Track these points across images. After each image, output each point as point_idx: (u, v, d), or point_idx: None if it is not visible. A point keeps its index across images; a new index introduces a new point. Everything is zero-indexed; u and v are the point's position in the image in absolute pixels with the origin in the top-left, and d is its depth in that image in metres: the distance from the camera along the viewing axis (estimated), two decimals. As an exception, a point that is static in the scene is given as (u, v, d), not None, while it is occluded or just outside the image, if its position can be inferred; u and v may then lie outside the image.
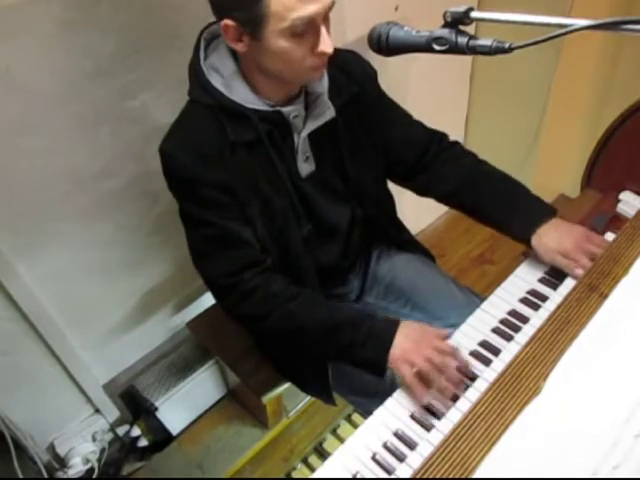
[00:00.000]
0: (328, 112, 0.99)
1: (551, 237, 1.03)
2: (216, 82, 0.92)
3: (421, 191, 1.21)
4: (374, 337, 0.94)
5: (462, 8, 0.73)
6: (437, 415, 0.85)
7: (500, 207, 1.10)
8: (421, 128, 1.17)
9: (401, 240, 1.27)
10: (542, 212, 1.07)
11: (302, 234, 1.04)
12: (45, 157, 1.14)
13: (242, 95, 0.92)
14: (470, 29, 0.73)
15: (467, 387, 0.88)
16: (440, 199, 1.20)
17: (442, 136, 1.18)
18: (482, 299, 1.05)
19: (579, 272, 0.99)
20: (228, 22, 0.83)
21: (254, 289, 0.98)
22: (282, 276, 1.02)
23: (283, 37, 0.82)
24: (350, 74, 1.04)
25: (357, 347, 0.94)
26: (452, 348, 0.91)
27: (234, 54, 0.92)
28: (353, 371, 1.15)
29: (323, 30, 0.83)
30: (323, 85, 0.99)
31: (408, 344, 0.91)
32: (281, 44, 0.83)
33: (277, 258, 1.03)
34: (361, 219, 1.15)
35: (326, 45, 0.84)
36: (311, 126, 0.98)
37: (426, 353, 0.89)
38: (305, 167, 1.02)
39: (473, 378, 0.89)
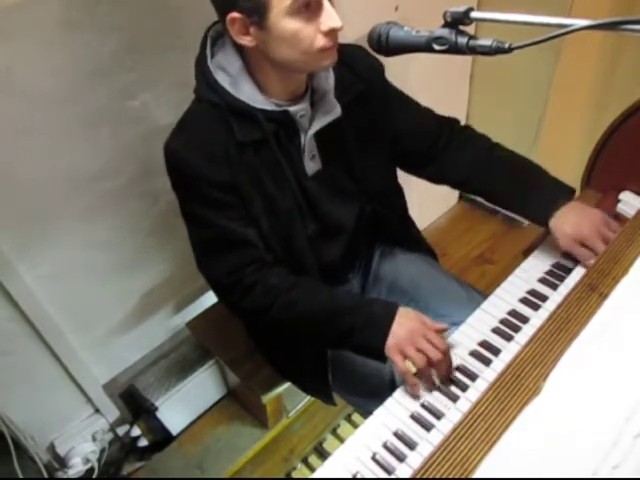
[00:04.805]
0: (334, 111, 0.98)
1: (569, 221, 1.03)
2: (223, 81, 0.92)
3: (435, 179, 1.21)
4: (372, 323, 0.94)
5: (462, 8, 0.73)
6: (437, 415, 0.85)
7: (515, 191, 1.10)
8: (432, 116, 1.16)
9: (408, 237, 1.27)
10: (559, 194, 1.07)
11: (307, 233, 1.04)
12: (45, 157, 1.14)
13: (249, 94, 0.92)
14: (470, 29, 0.73)
15: (467, 387, 0.88)
16: (455, 186, 1.21)
17: (453, 122, 1.17)
18: (484, 296, 1.05)
19: (591, 262, 1.00)
20: (234, 15, 0.83)
21: (254, 284, 0.98)
22: (280, 268, 1.02)
23: (289, 16, 0.81)
24: (356, 71, 1.03)
25: (356, 333, 0.95)
26: (445, 345, 0.91)
27: (240, 52, 0.92)
28: (352, 371, 1.15)
29: (327, 4, 0.82)
30: (329, 83, 0.98)
31: (403, 333, 0.91)
32: (288, 25, 0.82)
33: (281, 256, 1.03)
34: (368, 217, 1.15)
35: (332, 19, 0.82)
36: (317, 125, 0.98)
37: (419, 344, 0.90)
38: (311, 166, 1.02)
39: (473, 378, 0.89)
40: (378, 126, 1.08)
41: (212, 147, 0.92)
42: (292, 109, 0.94)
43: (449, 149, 1.15)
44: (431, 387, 0.89)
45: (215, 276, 1.02)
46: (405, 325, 0.92)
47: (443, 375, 0.89)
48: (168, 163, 0.94)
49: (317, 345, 1.12)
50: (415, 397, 0.88)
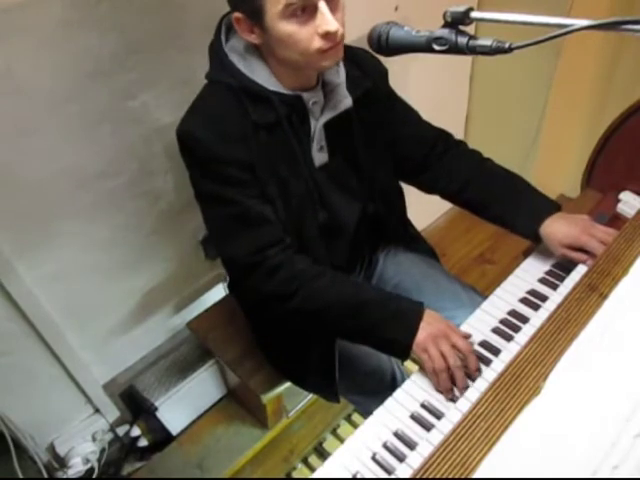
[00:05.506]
0: (345, 101, 1.00)
1: (558, 226, 1.04)
2: (238, 64, 0.93)
3: (427, 188, 1.22)
4: (402, 318, 0.93)
5: (462, 8, 0.73)
6: (437, 415, 0.85)
7: (505, 204, 1.11)
8: (428, 126, 1.18)
9: (408, 237, 1.27)
10: (547, 206, 1.09)
11: (318, 222, 1.04)
12: (45, 157, 1.14)
13: (264, 77, 0.93)
14: (470, 29, 0.73)
15: (467, 387, 0.88)
16: (445, 196, 1.21)
17: (448, 135, 1.19)
18: (485, 298, 1.05)
19: (590, 262, 1.01)
20: (237, 15, 0.86)
21: (279, 266, 0.96)
22: (304, 256, 1.01)
23: (284, 20, 0.83)
24: (364, 69, 1.05)
25: (383, 327, 0.94)
26: (468, 346, 0.91)
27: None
28: (356, 370, 1.15)
29: (322, 8, 0.83)
30: (340, 76, 1.00)
31: (431, 331, 0.91)
32: (283, 28, 0.83)
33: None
34: (371, 216, 1.15)
35: (327, 24, 0.83)
36: (328, 114, 0.99)
37: (443, 348, 0.89)
38: (319, 157, 1.03)
39: (473, 378, 0.89)
40: (382, 126, 1.09)
41: (227, 126, 0.92)
42: (305, 95, 0.95)
43: (443, 159, 1.17)
44: (447, 391, 0.88)
45: (235, 256, 0.99)
46: (432, 324, 0.92)
47: (460, 386, 0.88)
48: (184, 146, 0.94)
49: (335, 337, 1.09)
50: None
